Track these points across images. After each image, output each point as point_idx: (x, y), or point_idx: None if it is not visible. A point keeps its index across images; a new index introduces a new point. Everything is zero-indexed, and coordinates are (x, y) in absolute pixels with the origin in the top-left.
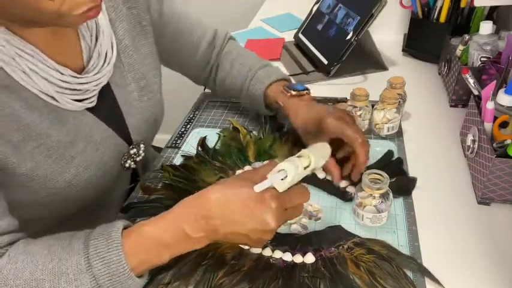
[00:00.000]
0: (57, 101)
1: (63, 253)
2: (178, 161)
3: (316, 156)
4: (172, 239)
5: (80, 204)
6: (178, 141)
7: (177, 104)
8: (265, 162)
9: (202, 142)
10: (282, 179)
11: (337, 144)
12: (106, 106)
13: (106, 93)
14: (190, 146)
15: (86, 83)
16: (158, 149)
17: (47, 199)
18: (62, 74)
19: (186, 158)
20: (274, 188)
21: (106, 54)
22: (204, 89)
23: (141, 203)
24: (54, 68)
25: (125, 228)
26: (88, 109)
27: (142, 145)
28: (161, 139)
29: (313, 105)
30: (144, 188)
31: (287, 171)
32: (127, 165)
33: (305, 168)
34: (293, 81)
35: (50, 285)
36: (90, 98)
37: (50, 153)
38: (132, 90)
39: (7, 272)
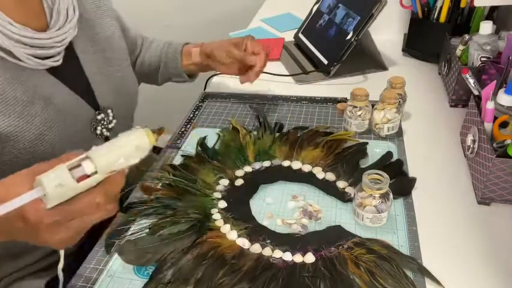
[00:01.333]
0: (16, 57)
1: None
2: (178, 160)
3: (108, 159)
4: None
5: None
6: (178, 141)
7: (177, 104)
8: (264, 162)
9: (202, 142)
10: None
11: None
12: (71, 70)
13: (71, 57)
14: (190, 146)
15: (47, 38)
16: (158, 149)
17: (13, 163)
18: (20, 30)
19: (186, 157)
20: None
21: (68, 13)
22: (205, 89)
23: (140, 203)
24: (13, 25)
25: None
26: (50, 71)
27: (110, 111)
28: (161, 139)
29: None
30: (144, 188)
31: (45, 187)
32: (98, 131)
33: (90, 175)
34: None
35: None
36: (54, 56)
37: (7, 111)
38: (98, 58)
39: None
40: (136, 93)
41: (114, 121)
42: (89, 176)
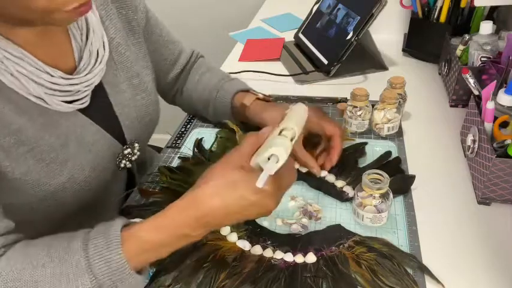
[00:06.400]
0: (46, 103)
1: (62, 253)
2: (178, 161)
3: (299, 125)
4: (172, 240)
5: (76, 207)
6: (178, 141)
7: None
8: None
9: (199, 144)
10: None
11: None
12: (98, 106)
13: (98, 92)
14: (187, 148)
15: (77, 83)
16: (158, 149)
17: (40, 202)
18: (52, 76)
19: (183, 159)
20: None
21: (98, 53)
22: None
23: (139, 207)
24: (43, 70)
25: (124, 225)
26: (80, 110)
27: (136, 144)
28: (161, 139)
29: (282, 106)
30: (141, 191)
31: (279, 156)
32: (122, 165)
33: (291, 140)
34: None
35: (49, 286)
36: (82, 98)
37: (42, 157)
38: (125, 89)
39: (6, 274)
40: (158, 118)
41: (138, 153)
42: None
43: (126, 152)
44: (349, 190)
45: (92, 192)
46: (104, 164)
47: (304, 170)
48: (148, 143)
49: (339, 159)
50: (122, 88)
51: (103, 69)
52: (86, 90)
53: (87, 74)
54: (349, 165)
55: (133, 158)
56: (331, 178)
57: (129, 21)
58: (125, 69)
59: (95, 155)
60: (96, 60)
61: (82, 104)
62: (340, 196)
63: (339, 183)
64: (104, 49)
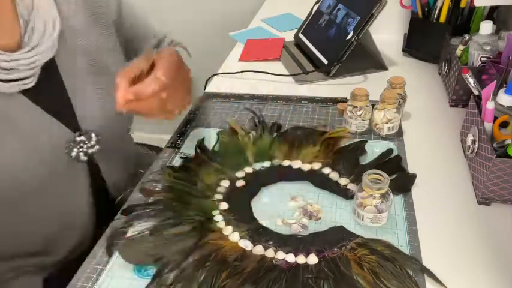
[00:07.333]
0: None
1: None
2: (178, 161)
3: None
4: None
5: (35, 215)
6: (178, 141)
7: None
8: (264, 163)
9: (201, 144)
10: None
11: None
12: (48, 89)
13: (50, 75)
14: (189, 148)
15: (16, 60)
16: (158, 149)
17: None
18: None
19: (185, 159)
20: None
21: (45, 29)
22: (204, 89)
23: (141, 206)
24: None
25: None
26: (23, 92)
27: (93, 135)
28: (161, 139)
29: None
30: (144, 190)
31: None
32: (73, 153)
33: None
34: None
35: None
36: (26, 78)
37: None
38: (85, 75)
39: None
40: (133, 116)
41: (97, 147)
42: None
43: (78, 139)
44: (353, 188)
45: (44, 186)
46: (48, 151)
47: (306, 168)
48: (148, 143)
49: (340, 157)
50: (81, 74)
51: (50, 49)
52: (29, 69)
53: (28, 51)
54: (351, 162)
55: (89, 151)
56: (334, 176)
57: (96, 13)
58: (85, 55)
59: (33, 140)
60: (44, 38)
61: (25, 84)
62: (345, 194)
63: (343, 181)
64: (54, 26)
